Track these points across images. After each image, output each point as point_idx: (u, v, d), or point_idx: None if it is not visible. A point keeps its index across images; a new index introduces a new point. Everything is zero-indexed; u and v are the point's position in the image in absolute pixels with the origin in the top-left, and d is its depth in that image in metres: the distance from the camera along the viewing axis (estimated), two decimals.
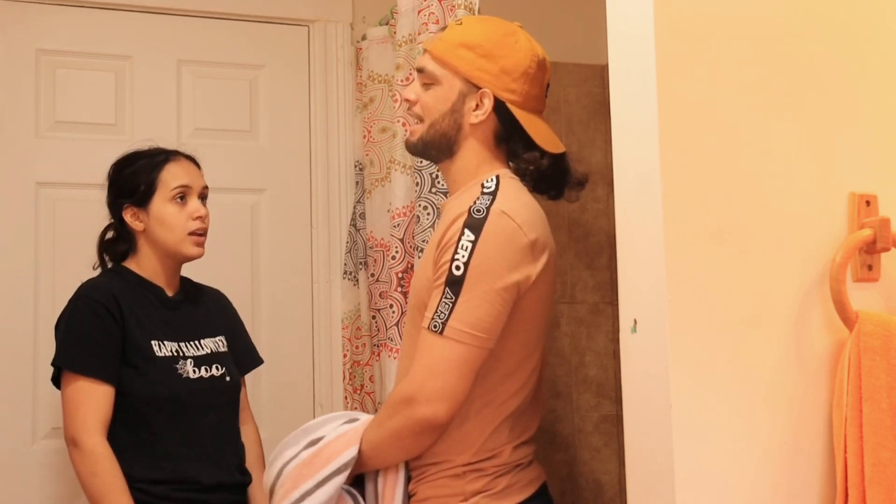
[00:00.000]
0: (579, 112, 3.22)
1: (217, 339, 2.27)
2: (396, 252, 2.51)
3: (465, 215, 1.69)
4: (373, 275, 2.74)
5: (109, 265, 2.27)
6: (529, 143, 1.81)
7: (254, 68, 3.01)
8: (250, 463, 2.28)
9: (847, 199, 1.46)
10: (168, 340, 2.16)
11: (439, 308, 1.65)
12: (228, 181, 2.95)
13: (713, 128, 1.40)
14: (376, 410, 2.66)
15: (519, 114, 1.79)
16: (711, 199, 1.38)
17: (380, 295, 2.67)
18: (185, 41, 2.95)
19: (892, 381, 1.37)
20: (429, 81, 1.83)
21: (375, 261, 2.73)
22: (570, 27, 3.22)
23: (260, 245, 2.96)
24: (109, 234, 2.28)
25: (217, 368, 2.21)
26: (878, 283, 1.47)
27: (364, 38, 2.94)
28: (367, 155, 2.84)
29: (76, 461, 2.06)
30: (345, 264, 2.93)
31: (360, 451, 1.71)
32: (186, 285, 2.32)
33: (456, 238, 1.67)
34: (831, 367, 1.42)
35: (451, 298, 1.64)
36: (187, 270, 2.93)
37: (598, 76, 3.22)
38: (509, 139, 1.83)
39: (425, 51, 1.88)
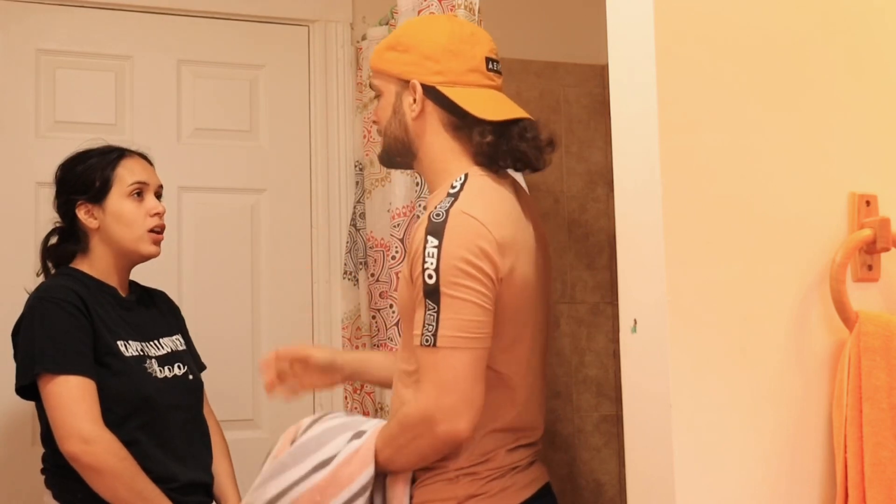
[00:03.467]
0: (579, 112, 3.22)
1: (174, 337, 2.24)
2: (396, 252, 2.51)
3: (426, 222, 1.65)
4: (373, 275, 2.74)
5: (52, 270, 2.20)
6: (472, 122, 1.75)
7: (254, 68, 3.01)
8: (216, 456, 2.24)
9: (847, 199, 1.46)
10: (132, 340, 2.12)
11: (426, 322, 1.61)
12: (228, 181, 2.96)
13: (713, 128, 1.40)
14: (376, 411, 2.66)
15: (450, 91, 1.75)
16: (711, 199, 1.38)
17: (380, 295, 2.67)
18: (185, 41, 2.95)
19: (892, 381, 1.37)
20: (376, 94, 1.85)
21: (375, 261, 2.73)
22: (570, 27, 3.23)
23: (260, 245, 2.96)
24: (53, 240, 2.21)
25: (179, 368, 2.18)
26: (878, 283, 1.47)
27: (364, 38, 2.94)
28: (367, 155, 2.84)
29: (95, 454, 1.96)
30: (345, 264, 2.93)
31: (381, 468, 1.67)
32: (135, 287, 2.27)
33: (422, 247, 1.63)
34: (831, 367, 1.42)
35: (434, 308, 1.60)
36: (186, 269, 2.92)
37: (598, 76, 3.22)
38: (461, 125, 1.77)
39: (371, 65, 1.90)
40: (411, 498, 1.72)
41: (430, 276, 1.60)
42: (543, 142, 1.79)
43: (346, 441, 1.70)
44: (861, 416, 1.36)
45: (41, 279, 2.22)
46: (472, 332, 1.61)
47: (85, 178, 2.16)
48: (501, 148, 1.76)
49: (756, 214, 1.41)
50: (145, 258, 2.20)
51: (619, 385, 1.91)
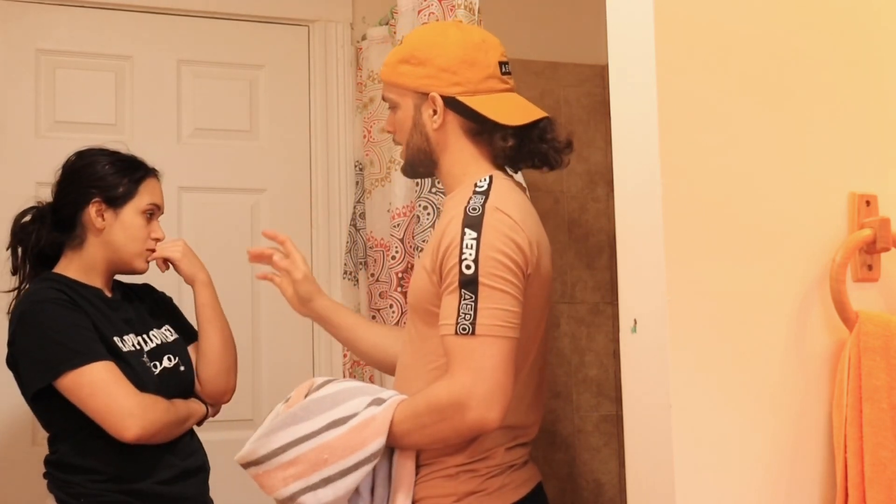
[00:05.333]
0: (579, 112, 3.23)
1: (163, 329, 2.24)
2: (396, 252, 2.51)
3: (462, 216, 1.68)
4: (373, 275, 2.74)
5: (20, 251, 2.19)
6: (494, 128, 1.79)
7: (254, 68, 3.01)
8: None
9: (847, 199, 1.46)
10: (126, 335, 2.13)
11: (461, 311, 1.63)
12: (228, 181, 2.96)
13: (713, 128, 1.40)
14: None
15: (471, 100, 1.79)
16: (711, 199, 1.38)
17: (380, 295, 2.67)
18: (185, 41, 2.95)
19: (892, 381, 1.37)
20: (392, 106, 1.88)
21: (375, 261, 2.73)
22: (570, 27, 3.23)
23: (260, 245, 2.95)
24: (27, 217, 2.21)
25: (169, 360, 2.18)
26: (878, 283, 1.47)
27: (364, 38, 2.94)
28: (367, 155, 2.84)
29: (154, 421, 2.01)
30: (345, 264, 2.93)
31: (394, 440, 1.67)
32: (118, 285, 2.27)
33: (458, 239, 1.66)
34: (831, 367, 1.42)
35: (471, 298, 1.63)
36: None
37: (598, 76, 3.22)
38: (482, 131, 1.81)
39: (381, 76, 1.92)
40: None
41: (467, 267, 1.63)
42: (562, 143, 1.84)
43: (364, 404, 1.69)
44: (861, 416, 1.36)
45: (9, 254, 2.20)
46: (509, 321, 1.64)
47: (110, 178, 2.16)
48: (522, 150, 1.82)
49: (756, 214, 1.41)
50: (135, 272, 2.21)
51: (619, 385, 1.91)
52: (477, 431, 1.66)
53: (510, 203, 1.72)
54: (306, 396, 1.74)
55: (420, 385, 1.73)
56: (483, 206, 1.69)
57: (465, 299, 1.63)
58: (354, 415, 1.68)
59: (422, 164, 1.87)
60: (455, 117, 1.80)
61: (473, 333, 1.62)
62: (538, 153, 1.83)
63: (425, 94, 1.81)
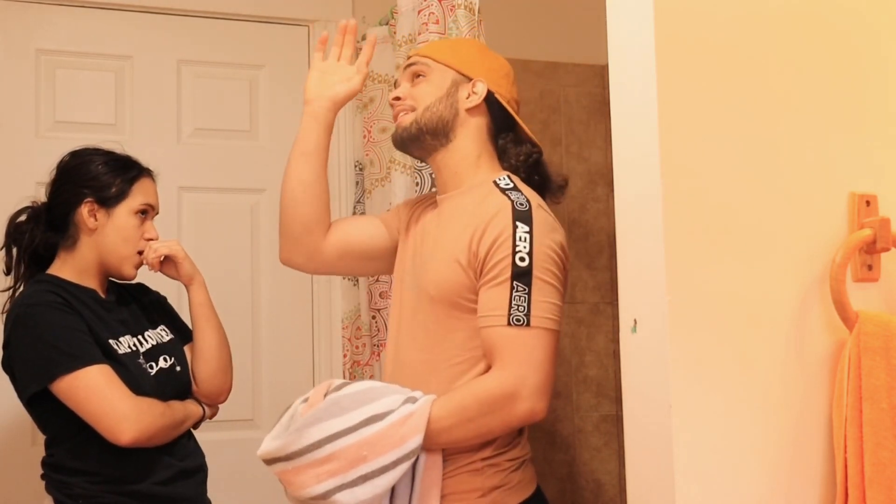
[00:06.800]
0: (579, 112, 3.22)
1: (158, 329, 2.23)
2: None
3: (510, 210, 1.70)
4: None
5: (15, 252, 2.17)
6: (517, 140, 1.86)
7: (254, 68, 3.01)
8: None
9: (847, 199, 1.46)
10: (122, 337, 2.11)
11: (514, 302, 1.65)
12: (228, 181, 2.96)
13: (713, 128, 1.40)
14: None
15: (507, 109, 1.85)
16: (711, 199, 1.38)
17: (380, 295, 2.67)
18: (185, 41, 2.95)
19: (892, 381, 1.37)
20: (421, 72, 1.87)
21: None
22: (570, 27, 3.23)
23: (260, 245, 2.96)
24: (22, 217, 2.19)
25: (165, 360, 2.17)
26: (878, 283, 1.47)
27: (364, 38, 2.93)
28: (367, 155, 2.84)
29: (150, 424, 1.99)
30: None
31: (430, 438, 1.65)
32: (113, 286, 2.25)
33: (510, 231, 1.67)
34: (831, 367, 1.42)
35: (525, 290, 1.65)
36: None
37: (598, 76, 3.22)
38: (498, 136, 1.86)
39: (412, 55, 1.93)
40: None
41: (521, 259, 1.66)
42: (565, 181, 1.95)
43: (399, 402, 1.67)
44: (861, 416, 1.36)
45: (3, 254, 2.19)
46: (557, 315, 1.70)
47: (102, 178, 2.14)
48: (537, 170, 1.88)
49: (756, 214, 1.41)
50: (122, 278, 2.19)
51: (619, 385, 1.91)
52: (525, 422, 1.69)
53: (542, 202, 1.78)
54: (325, 396, 1.70)
55: (441, 379, 1.73)
56: (528, 201, 1.72)
57: (517, 291, 1.65)
58: (391, 411, 1.65)
59: (432, 132, 1.83)
60: (484, 112, 1.84)
61: (528, 325, 1.65)
62: (548, 182, 1.90)
63: (468, 78, 1.84)
